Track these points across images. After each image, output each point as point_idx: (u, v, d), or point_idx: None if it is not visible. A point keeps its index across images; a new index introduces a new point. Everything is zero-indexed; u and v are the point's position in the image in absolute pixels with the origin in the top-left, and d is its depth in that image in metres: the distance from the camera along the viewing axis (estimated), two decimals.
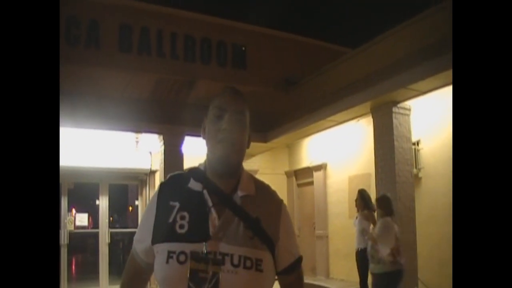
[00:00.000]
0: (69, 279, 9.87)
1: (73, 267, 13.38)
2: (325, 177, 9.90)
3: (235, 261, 1.29)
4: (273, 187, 1.50)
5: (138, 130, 8.86)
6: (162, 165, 8.72)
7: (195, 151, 9.35)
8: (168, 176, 1.49)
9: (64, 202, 9.69)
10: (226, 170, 1.37)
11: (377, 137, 6.78)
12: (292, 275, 1.47)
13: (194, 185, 1.40)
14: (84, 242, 11.81)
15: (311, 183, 10.38)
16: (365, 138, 8.20)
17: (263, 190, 1.46)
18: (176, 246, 1.30)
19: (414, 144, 6.97)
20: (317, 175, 10.11)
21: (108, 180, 10.19)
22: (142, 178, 10.43)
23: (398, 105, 6.45)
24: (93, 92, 7.98)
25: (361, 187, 6.75)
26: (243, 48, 9.17)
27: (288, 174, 11.37)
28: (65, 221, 9.74)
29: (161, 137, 8.73)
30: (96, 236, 10.12)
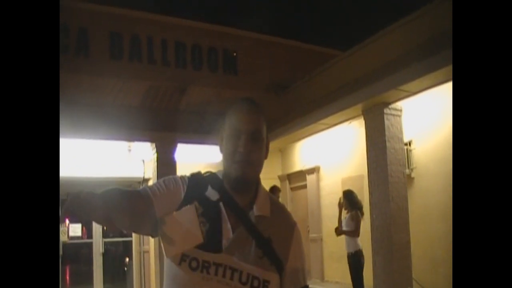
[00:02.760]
0: None
1: (67, 277, 13.26)
2: (318, 180, 9.92)
3: (244, 279, 1.29)
4: (266, 191, 1.50)
5: (130, 139, 8.81)
6: (155, 173, 8.70)
7: (188, 158, 9.44)
8: (191, 174, 1.47)
9: None
10: (243, 188, 1.39)
11: (369, 138, 6.81)
12: None
13: (211, 193, 1.39)
14: (78, 252, 11.71)
15: (305, 186, 10.40)
16: (358, 140, 8.22)
17: (277, 210, 1.45)
18: (190, 251, 1.29)
19: (406, 144, 7.00)
20: (310, 178, 10.13)
21: (101, 189, 10.12)
22: (135, 186, 10.38)
23: (390, 106, 6.50)
24: (83, 101, 7.93)
25: (354, 189, 6.77)
26: (234, 54, 9.20)
27: (281, 178, 11.37)
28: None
29: (154, 144, 8.70)
30: (90, 246, 10.07)
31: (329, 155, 9.56)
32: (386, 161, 6.40)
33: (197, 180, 1.44)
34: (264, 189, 1.46)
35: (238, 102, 1.43)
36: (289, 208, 10.99)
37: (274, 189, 7.22)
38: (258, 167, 1.40)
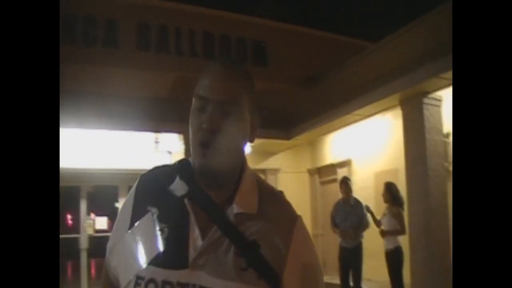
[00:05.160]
0: (89, 283, 9.79)
1: (93, 271, 13.35)
2: (349, 174, 9.65)
3: None
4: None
5: (157, 130, 8.72)
6: None
7: None
8: (152, 168, 1.13)
9: (83, 206, 9.60)
10: (210, 182, 1.01)
11: (407, 130, 6.54)
12: None
13: (177, 186, 1.03)
14: (104, 245, 11.68)
15: (335, 180, 10.12)
16: (391, 132, 7.96)
17: (271, 204, 1.05)
18: (146, 271, 0.96)
19: (444, 136, 6.72)
20: (341, 172, 9.86)
21: (127, 182, 10.06)
22: None
23: (429, 96, 6.21)
24: (111, 93, 7.91)
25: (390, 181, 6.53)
26: (263, 45, 9.02)
27: (310, 172, 11.14)
28: (84, 225, 9.65)
29: (182, 136, 8.57)
30: None
31: (361, 148, 9.31)
32: (426, 154, 6.12)
33: (154, 176, 1.10)
34: (250, 175, 1.07)
35: (210, 63, 1.05)
36: (318, 203, 10.79)
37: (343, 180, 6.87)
38: (232, 153, 1.00)
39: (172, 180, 1.04)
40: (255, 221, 1.00)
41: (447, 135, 6.82)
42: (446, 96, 6.42)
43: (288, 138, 9.14)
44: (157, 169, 1.13)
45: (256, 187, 1.06)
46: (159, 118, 8.19)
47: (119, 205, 10.13)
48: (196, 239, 0.97)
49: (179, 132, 8.58)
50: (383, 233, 6.09)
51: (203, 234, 0.97)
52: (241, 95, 1.00)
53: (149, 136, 9.16)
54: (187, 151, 8.44)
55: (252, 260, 0.96)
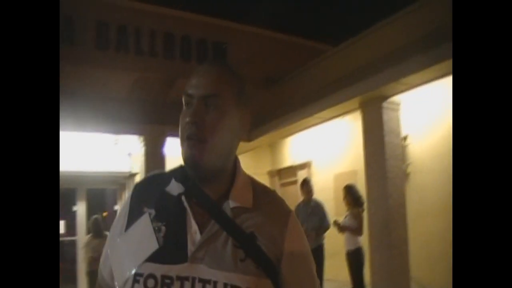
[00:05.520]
0: None
1: None
2: (309, 176, 9.73)
3: None
4: (248, 177, 1.17)
5: (117, 132, 8.52)
6: (143, 167, 8.42)
7: (177, 152, 9.16)
8: (146, 175, 1.19)
9: None
10: (200, 175, 1.05)
11: (366, 132, 6.65)
12: None
13: (173, 187, 1.08)
14: (61, 250, 11.41)
15: (295, 182, 10.20)
16: (351, 135, 8.09)
17: (265, 199, 1.10)
18: (145, 267, 0.99)
19: (402, 139, 6.87)
20: (301, 173, 9.94)
21: (85, 185, 9.84)
22: (121, 181, 10.10)
23: (388, 100, 6.34)
24: (67, 92, 7.66)
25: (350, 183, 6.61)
26: (224, 46, 9.00)
27: (271, 174, 11.18)
28: None
29: (142, 138, 8.42)
30: (73, 244, 9.76)
31: (320, 150, 9.41)
32: (384, 156, 6.24)
33: (153, 179, 1.15)
34: (244, 174, 1.13)
35: (199, 65, 1.13)
36: None
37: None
38: (219, 147, 1.03)
39: (167, 183, 1.09)
40: (251, 214, 1.05)
41: (404, 138, 6.98)
42: (404, 100, 6.57)
43: (248, 140, 9.12)
44: (151, 175, 1.18)
45: (250, 183, 1.12)
46: (119, 119, 8.02)
47: (77, 208, 9.88)
48: (194, 234, 1.01)
49: (139, 134, 8.42)
50: (341, 229, 6.12)
51: (201, 229, 1.02)
52: (223, 89, 1.05)
53: (108, 137, 8.95)
54: (147, 153, 8.31)
55: (249, 251, 1.01)
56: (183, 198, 1.05)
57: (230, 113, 1.05)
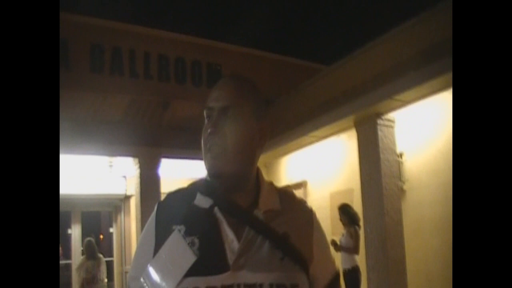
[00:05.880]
0: None
1: None
2: (305, 195, 9.70)
3: None
4: (270, 182, 1.20)
5: (111, 154, 8.49)
6: (138, 189, 8.37)
7: (172, 174, 9.16)
8: (167, 194, 1.21)
9: None
10: (226, 185, 1.10)
11: (361, 150, 6.65)
12: None
13: (201, 201, 1.11)
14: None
15: None
16: (346, 153, 8.07)
17: (289, 201, 1.18)
18: (187, 283, 1.01)
19: (398, 156, 6.88)
20: (297, 193, 9.79)
21: (80, 207, 9.77)
22: (116, 204, 10.03)
23: (383, 117, 6.36)
24: (63, 115, 7.65)
25: (343, 203, 6.59)
26: (219, 68, 9.04)
27: None
28: None
29: (137, 160, 8.37)
30: (68, 267, 9.64)
31: (316, 170, 9.38)
32: (380, 174, 6.24)
33: (176, 196, 1.18)
34: (269, 182, 1.20)
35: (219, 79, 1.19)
36: None
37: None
38: (241, 156, 1.09)
39: (192, 197, 1.13)
40: (281, 216, 1.12)
41: (400, 155, 6.98)
42: (398, 117, 6.59)
43: None
44: (172, 193, 1.20)
45: (273, 186, 1.20)
46: (114, 142, 7.99)
47: (71, 231, 9.78)
48: (231, 243, 1.05)
49: (134, 156, 8.38)
50: (337, 248, 6.09)
51: (238, 236, 1.06)
52: (241, 101, 1.11)
53: (103, 159, 8.92)
54: (142, 175, 8.27)
55: (286, 250, 1.06)
56: (215, 209, 1.08)
57: (249, 123, 1.11)
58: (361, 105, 6.30)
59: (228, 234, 1.06)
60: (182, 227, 1.07)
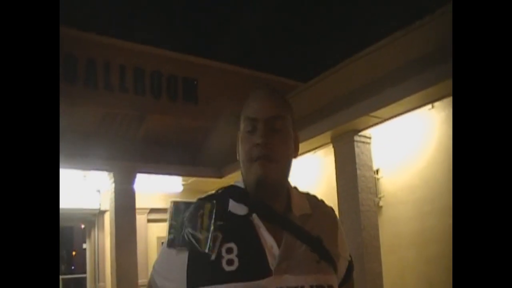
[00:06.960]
0: None
1: None
2: None
3: None
4: (297, 188, 1.24)
5: (85, 168, 8.29)
6: (113, 204, 8.20)
7: (147, 189, 9.01)
8: (197, 199, 1.20)
9: None
10: (269, 193, 1.13)
11: (339, 166, 6.67)
12: (349, 282, 1.30)
13: (236, 208, 1.13)
14: None
15: None
16: (322, 169, 8.09)
17: (316, 204, 1.23)
18: None
19: (374, 172, 6.92)
20: None
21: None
22: (90, 219, 9.81)
23: (359, 134, 6.40)
24: None
25: None
26: (195, 82, 9.00)
27: None
28: None
29: (111, 174, 8.19)
30: None
31: (293, 185, 9.37)
32: (357, 189, 6.26)
33: (201, 204, 1.15)
34: (294, 187, 1.23)
35: (253, 91, 1.22)
36: None
37: None
38: (284, 166, 1.14)
39: (226, 204, 1.14)
40: (312, 220, 1.16)
41: (376, 171, 7.03)
42: (374, 133, 6.65)
43: (220, 176, 9.03)
44: (204, 198, 1.18)
45: (301, 193, 1.24)
46: (87, 155, 7.81)
47: None
48: (271, 248, 1.07)
49: (108, 170, 8.21)
50: None
51: (277, 242, 1.08)
52: (285, 112, 1.16)
53: (76, 173, 8.72)
54: (117, 189, 8.11)
55: (321, 252, 1.11)
56: (254, 215, 1.10)
57: (290, 134, 1.17)
58: (338, 121, 6.33)
59: (267, 239, 1.08)
60: (218, 234, 1.08)
